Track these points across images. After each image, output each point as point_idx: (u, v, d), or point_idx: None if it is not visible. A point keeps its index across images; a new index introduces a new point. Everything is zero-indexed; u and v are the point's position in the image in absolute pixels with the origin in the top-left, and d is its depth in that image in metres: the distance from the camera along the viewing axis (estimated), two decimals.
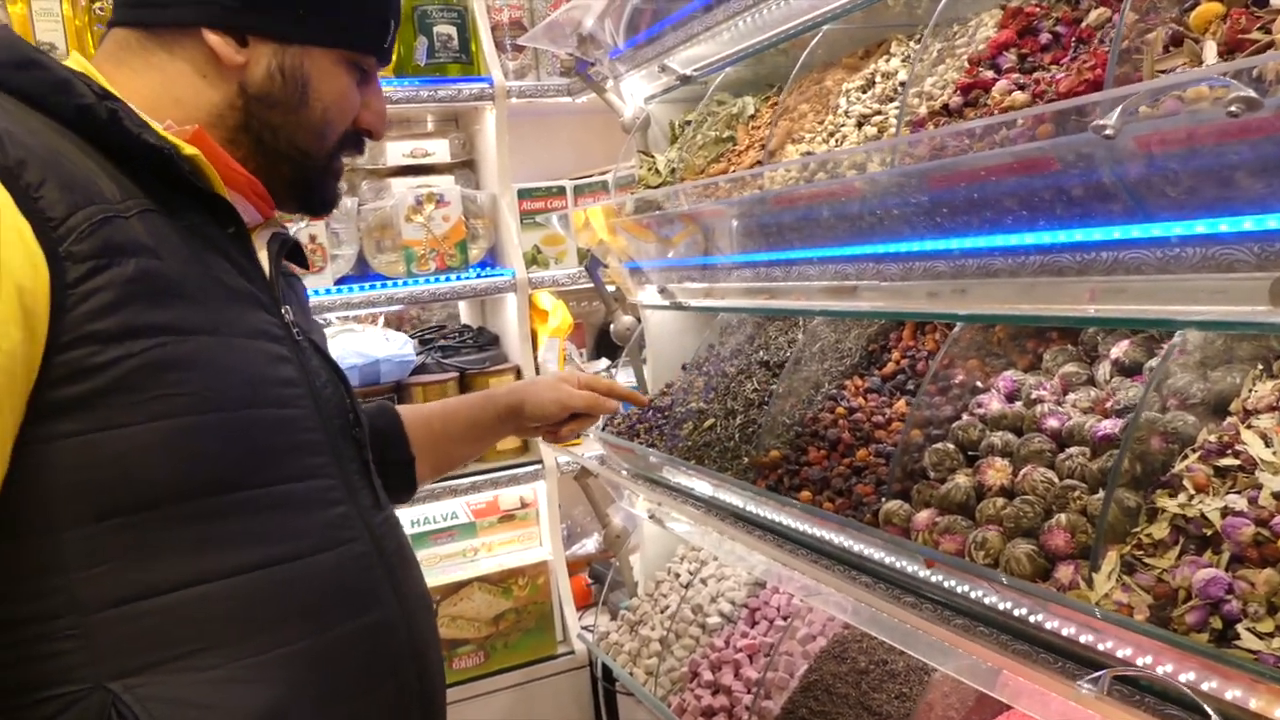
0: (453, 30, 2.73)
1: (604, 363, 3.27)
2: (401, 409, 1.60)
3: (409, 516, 2.73)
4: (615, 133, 2.65)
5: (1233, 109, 0.78)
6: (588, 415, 1.65)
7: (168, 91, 1.09)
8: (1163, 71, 1.00)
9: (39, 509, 0.91)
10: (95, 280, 0.91)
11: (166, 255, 0.98)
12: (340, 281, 2.76)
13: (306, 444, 1.08)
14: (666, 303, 2.40)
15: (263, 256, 1.16)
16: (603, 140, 3.14)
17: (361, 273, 2.85)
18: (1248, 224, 0.95)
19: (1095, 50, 1.14)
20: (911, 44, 1.72)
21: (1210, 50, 0.96)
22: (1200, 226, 1.00)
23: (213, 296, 1.02)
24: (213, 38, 1.08)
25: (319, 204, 1.25)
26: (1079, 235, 1.15)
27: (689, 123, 2.35)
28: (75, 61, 1.09)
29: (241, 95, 1.12)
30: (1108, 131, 0.87)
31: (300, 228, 2.62)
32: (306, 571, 1.04)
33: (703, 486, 2.00)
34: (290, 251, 1.28)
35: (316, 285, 2.64)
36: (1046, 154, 1.05)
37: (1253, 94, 0.77)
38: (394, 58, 2.77)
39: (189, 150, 1.04)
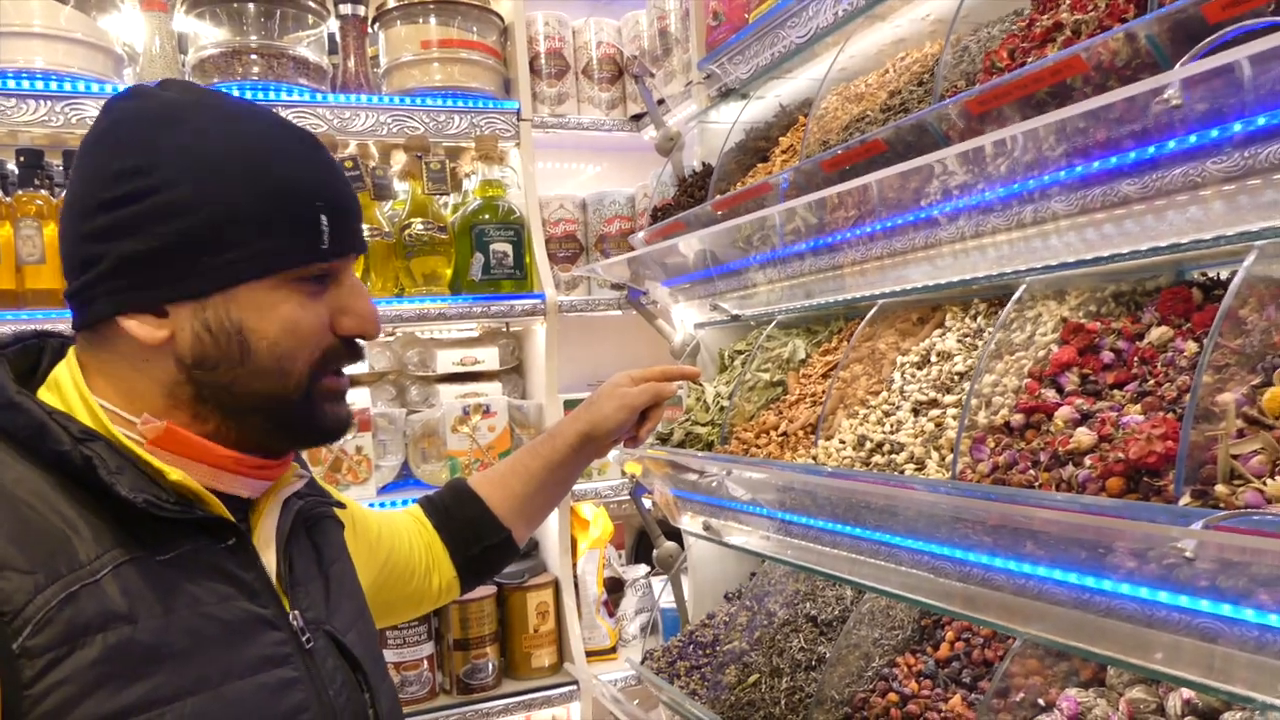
0: (508, 248, 2.79)
1: (643, 568, 3.22)
2: (477, 483, 1.65)
3: None
4: (664, 342, 2.65)
5: None
6: (656, 406, 1.71)
7: (126, 388, 1.03)
8: (1235, 457, 0.98)
9: None
10: (54, 674, 0.85)
11: (143, 614, 0.92)
12: (383, 490, 2.76)
13: None
14: (711, 537, 2.37)
15: (269, 556, 1.09)
16: (650, 347, 3.15)
17: (404, 479, 2.85)
18: None
19: (1165, 413, 1.12)
20: (967, 319, 1.71)
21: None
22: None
23: (201, 644, 0.96)
24: (128, 323, 1.00)
25: (318, 435, 1.13)
26: (1144, 592, 1.11)
27: (739, 352, 2.36)
28: (67, 376, 1.03)
29: (180, 368, 1.02)
30: (1187, 554, 0.84)
31: (348, 439, 2.63)
32: None
33: None
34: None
35: (360, 496, 2.64)
36: (1115, 527, 1.02)
37: None
38: (405, 282, 2.79)
39: (174, 475, 0.99)
